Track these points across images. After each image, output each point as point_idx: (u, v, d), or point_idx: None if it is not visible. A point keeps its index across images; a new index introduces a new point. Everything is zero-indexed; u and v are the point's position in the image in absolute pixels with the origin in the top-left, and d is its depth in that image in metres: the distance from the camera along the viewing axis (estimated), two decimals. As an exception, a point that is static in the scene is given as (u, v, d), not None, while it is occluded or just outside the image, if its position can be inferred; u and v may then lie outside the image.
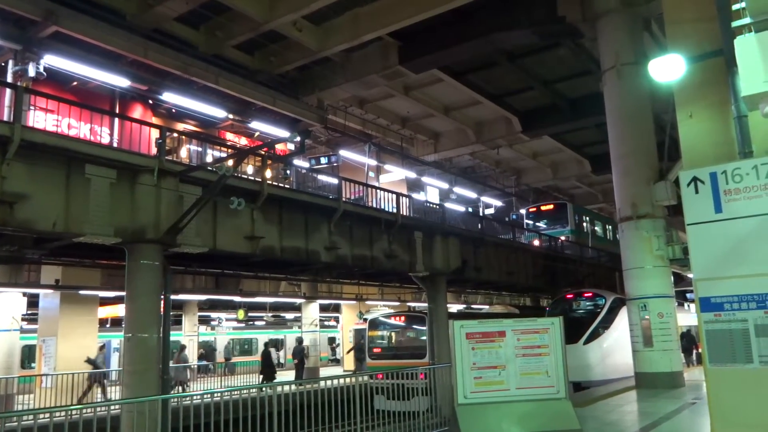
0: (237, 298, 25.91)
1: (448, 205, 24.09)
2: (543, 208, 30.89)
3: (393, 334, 19.35)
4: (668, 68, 7.96)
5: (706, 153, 8.22)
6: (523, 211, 31.12)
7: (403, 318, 19.80)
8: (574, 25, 16.60)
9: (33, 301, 19.37)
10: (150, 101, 17.88)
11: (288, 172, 16.49)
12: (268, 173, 14.29)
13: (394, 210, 16.61)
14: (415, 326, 18.89)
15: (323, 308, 31.33)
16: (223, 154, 14.69)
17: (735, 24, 5.06)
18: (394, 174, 26.42)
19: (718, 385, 5.28)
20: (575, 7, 16.41)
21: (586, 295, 19.21)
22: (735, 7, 5.37)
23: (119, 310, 21.09)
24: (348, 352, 28.26)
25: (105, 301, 20.30)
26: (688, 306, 23.80)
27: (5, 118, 11.08)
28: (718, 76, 7.71)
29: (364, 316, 26.36)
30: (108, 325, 26.16)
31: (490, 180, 32.70)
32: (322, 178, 19.83)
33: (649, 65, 8.12)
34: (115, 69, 15.10)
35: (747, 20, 4.87)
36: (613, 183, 15.54)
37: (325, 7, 15.76)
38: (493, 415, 7.47)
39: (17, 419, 7.52)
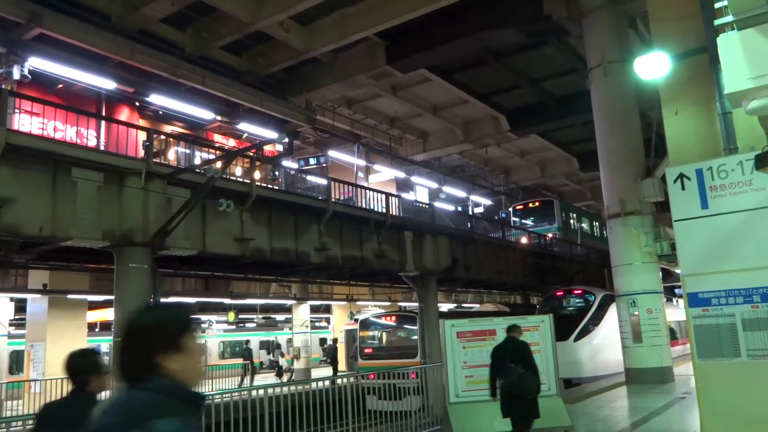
0: (227, 301, 25.79)
1: (437, 204, 24.13)
2: (530, 205, 30.96)
3: (384, 334, 19.35)
4: (654, 66, 8.03)
5: (691, 149, 8.29)
6: (510, 209, 31.19)
7: (394, 318, 19.79)
8: (560, 23, 16.69)
9: (20, 306, 19.18)
10: (137, 103, 17.74)
11: (277, 173, 16.43)
12: (257, 175, 14.24)
13: (384, 210, 16.61)
14: (406, 326, 18.90)
15: (314, 309, 31.26)
16: (212, 156, 14.60)
17: (718, 22, 5.09)
18: (383, 174, 26.44)
19: (707, 380, 5.32)
20: (561, 5, 16.51)
21: (575, 292, 19.31)
22: (718, 5, 5.41)
23: (108, 314, 20.91)
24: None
25: (94, 305, 20.12)
26: (677, 301, 23.99)
27: (-10, 122, 10.95)
28: (703, 74, 7.78)
29: (355, 317, 26.33)
30: (97, 330, 25.93)
31: (478, 179, 32.77)
32: (311, 178, 19.76)
33: (634, 63, 8.19)
34: (101, 71, 14.96)
35: (729, 18, 4.90)
36: (601, 180, 15.64)
37: (312, 7, 15.73)
38: (484, 413, 7.49)
39: (6, 426, 7.45)
